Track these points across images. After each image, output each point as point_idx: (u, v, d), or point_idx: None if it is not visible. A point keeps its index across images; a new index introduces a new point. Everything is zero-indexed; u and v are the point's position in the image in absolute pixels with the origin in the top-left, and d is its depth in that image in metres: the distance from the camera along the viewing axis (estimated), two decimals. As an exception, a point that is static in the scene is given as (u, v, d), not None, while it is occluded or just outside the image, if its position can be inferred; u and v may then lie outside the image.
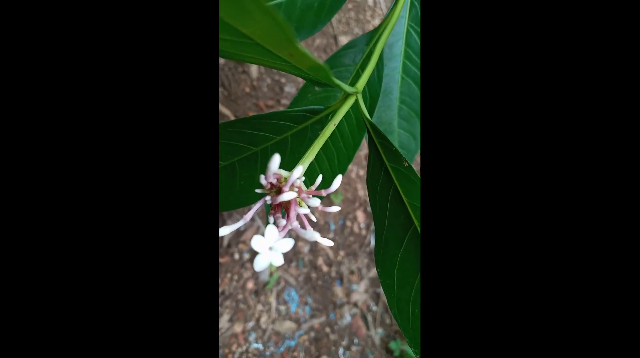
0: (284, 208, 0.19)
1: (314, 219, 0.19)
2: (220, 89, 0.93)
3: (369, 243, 1.20)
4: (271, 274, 0.97)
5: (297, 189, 0.18)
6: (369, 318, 1.10)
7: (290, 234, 0.18)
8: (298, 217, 0.18)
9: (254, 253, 0.97)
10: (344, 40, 1.14)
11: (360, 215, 1.24)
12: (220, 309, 0.89)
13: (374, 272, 1.18)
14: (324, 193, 0.18)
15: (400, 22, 0.36)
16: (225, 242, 0.93)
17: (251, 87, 0.97)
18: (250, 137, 0.28)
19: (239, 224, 0.19)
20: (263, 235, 0.17)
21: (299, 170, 0.17)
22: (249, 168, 0.31)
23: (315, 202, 0.17)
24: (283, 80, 1.04)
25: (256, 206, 0.19)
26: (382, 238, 0.26)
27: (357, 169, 1.28)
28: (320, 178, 0.20)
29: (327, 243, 0.19)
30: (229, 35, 0.14)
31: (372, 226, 1.23)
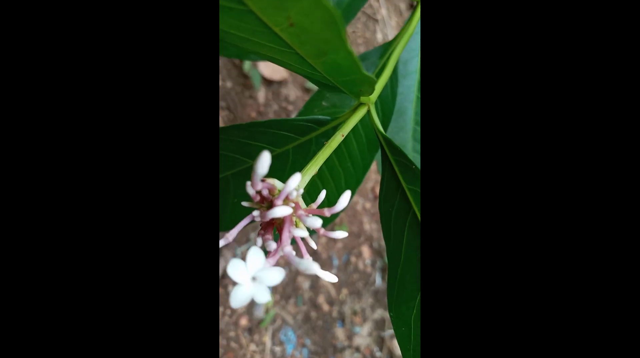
0: (277, 229, 0.15)
1: (313, 246, 0.15)
2: (226, 112, 0.92)
3: (375, 281, 1.14)
4: (267, 311, 0.91)
5: (293, 205, 0.14)
6: (372, 365, 1.02)
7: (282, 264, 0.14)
8: (293, 241, 0.14)
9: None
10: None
11: (366, 251, 1.19)
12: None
13: (378, 314, 1.12)
14: (327, 212, 0.14)
15: (415, 38, 0.34)
16: (219, 272, 0.87)
17: (257, 112, 0.97)
18: (245, 148, 0.25)
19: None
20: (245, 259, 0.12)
21: (296, 179, 0.13)
22: (245, 183, 0.27)
23: (316, 222, 0.13)
24: (290, 107, 1.03)
25: (241, 224, 0.15)
26: (396, 274, 0.21)
27: (363, 201, 1.24)
28: (323, 193, 0.16)
29: (330, 278, 0.15)
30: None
31: (378, 264, 1.18)
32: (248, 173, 0.26)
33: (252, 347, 0.86)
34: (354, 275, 1.13)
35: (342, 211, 0.27)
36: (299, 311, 0.98)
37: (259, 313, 0.90)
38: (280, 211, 0.13)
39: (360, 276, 1.14)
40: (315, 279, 1.04)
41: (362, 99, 0.22)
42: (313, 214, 0.15)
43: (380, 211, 0.23)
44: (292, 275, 1.01)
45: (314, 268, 0.12)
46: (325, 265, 1.07)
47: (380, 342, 1.08)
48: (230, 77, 0.96)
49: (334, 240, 1.12)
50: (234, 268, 0.12)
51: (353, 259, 1.15)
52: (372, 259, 1.17)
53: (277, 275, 0.12)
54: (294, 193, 0.14)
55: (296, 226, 0.14)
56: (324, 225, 0.20)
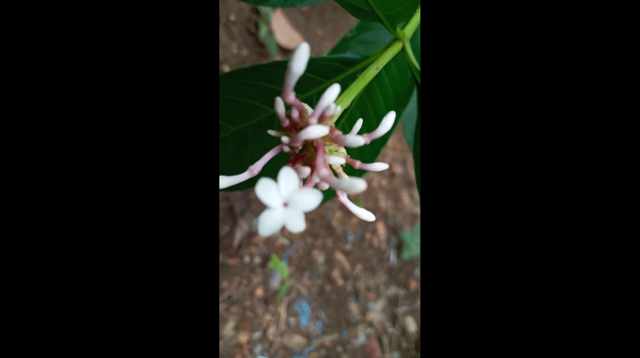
0: (307, 163, 0.13)
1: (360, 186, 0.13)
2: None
3: (389, 258, 1.14)
4: (282, 282, 0.92)
5: (329, 128, 0.12)
6: (385, 340, 1.02)
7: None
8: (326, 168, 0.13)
9: (265, 258, 0.91)
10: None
11: (381, 228, 1.18)
12: (226, 314, 0.83)
13: (392, 290, 1.12)
14: (366, 138, 0.13)
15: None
16: (236, 242, 0.88)
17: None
18: (266, 93, 0.23)
19: (241, 178, 0.13)
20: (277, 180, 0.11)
21: (335, 91, 0.12)
22: (265, 136, 0.25)
23: (358, 140, 0.11)
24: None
25: (268, 156, 0.14)
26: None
27: (379, 178, 1.22)
28: (360, 122, 0.14)
29: (367, 215, 0.13)
30: None
31: (393, 241, 1.17)
32: (268, 123, 0.24)
33: (268, 316, 0.87)
34: (368, 251, 1.12)
35: (386, 138, 0.24)
36: (314, 284, 0.98)
37: (274, 284, 0.90)
38: (315, 130, 0.11)
39: (375, 252, 1.13)
40: (330, 253, 1.04)
41: (398, 32, 0.20)
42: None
43: (414, 152, 0.21)
44: (307, 248, 1.01)
45: (359, 184, 0.10)
46: (340, 240, 1.07)
47: (393, 318, 1.08)
48: (246, 45, 0.93)
49: (350, 216, 1.11)
50: (265, 189, 0.10)
51: (368, 235, 1.14)
52: (387, 236, 1.16)
53: (313, 199, 0.11)
54: (332, 108, 0.12)
55: (333, 153, 0.13)
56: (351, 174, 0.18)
